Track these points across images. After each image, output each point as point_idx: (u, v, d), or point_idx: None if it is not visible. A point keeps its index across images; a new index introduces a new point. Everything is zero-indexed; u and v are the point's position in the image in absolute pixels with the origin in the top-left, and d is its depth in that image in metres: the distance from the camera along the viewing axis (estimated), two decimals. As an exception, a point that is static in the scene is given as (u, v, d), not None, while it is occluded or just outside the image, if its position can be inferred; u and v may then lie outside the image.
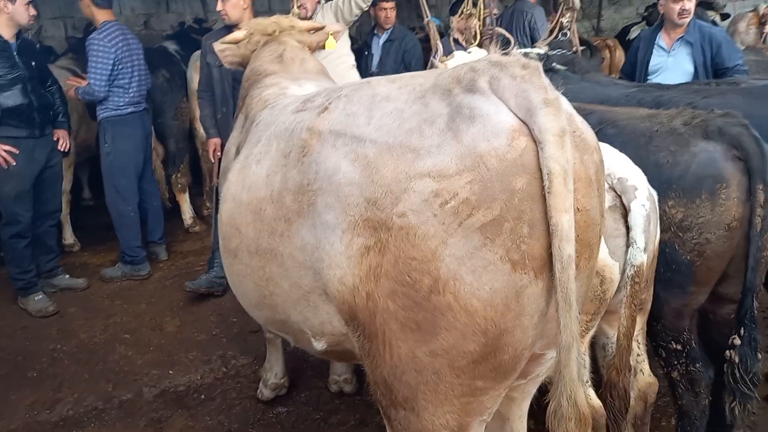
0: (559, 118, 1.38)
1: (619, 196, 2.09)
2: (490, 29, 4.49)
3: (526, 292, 1.41)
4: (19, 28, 4.07)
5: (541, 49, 4.53)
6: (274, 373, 3.33)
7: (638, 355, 2.35)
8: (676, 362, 2.45)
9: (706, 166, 2.22)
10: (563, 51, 4.83)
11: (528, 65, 1.45)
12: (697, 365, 2.43)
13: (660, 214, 2.30)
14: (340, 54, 4.66)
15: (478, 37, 4.54)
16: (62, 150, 4.46)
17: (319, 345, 1.86)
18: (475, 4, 4.51)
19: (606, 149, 2.20)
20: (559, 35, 4.90)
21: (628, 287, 2.08)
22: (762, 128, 2.66)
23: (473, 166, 1.36)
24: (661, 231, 2.31)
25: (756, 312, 2.31)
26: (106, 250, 5.59)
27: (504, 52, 4.57)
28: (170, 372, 3.72)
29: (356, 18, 4.67)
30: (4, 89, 3.96)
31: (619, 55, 8.02)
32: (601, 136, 2.62)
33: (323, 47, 3.28)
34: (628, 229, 2.08)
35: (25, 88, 4.07)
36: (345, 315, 1.59)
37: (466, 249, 1.37)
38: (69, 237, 5.61)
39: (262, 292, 1.95)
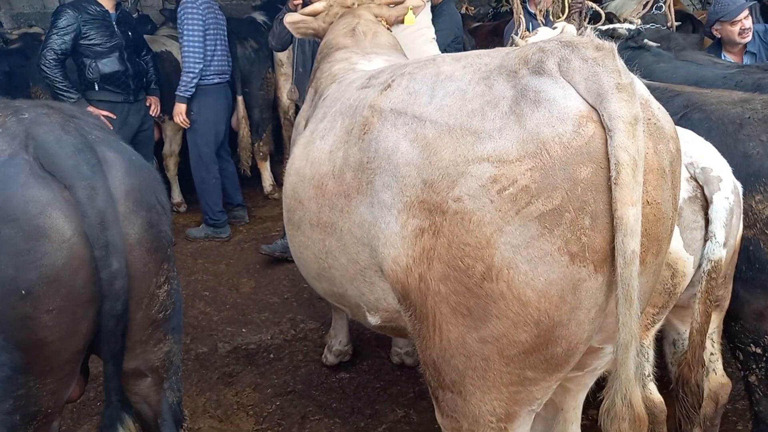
0: (632, 104, 1.30)
1: (701, 187, 1.96)
2: (580, 2, 4.25)
3: (584, 286, 1.37)
4: (118, 1, 4.30)
5: (633, 23, 4.27)
6: (338, 340, 3.44)
7: (711, 354, 2.23)
8: (754, 366, 2.31)
9: (802, 158, 2.04)
10: (657, 25, 4.53)
11: (602, 47, 1.37)
12: (778, 370, 2.27)
13: (745, 209, 2.15)
14: (420, 26, 4.57)
15: (566, 10, 4.32)
16: (153, 115, 4.71)
17: (373, 320, 1.90)
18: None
19: (689, 136, 2.08)
20: (653, 8, 4.58)
21: (704, 282, 1.97)
22: None
23: (535, 153, 1.32)
24: (746, 227, 2.16)
25: None
26: (191, 211, 5.92)
27: (593, 27, 4.33)
28: (243, 330, 3.93)
29: None
30: (103, 56, 4.24)
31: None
32: (686, 121, 2.47)
33: (402, 21, 3.24)
34: (707, 221, 1.96)
35: (122, 56, 4.33)
36: (398, 294, 1.61)
37: (523, 238, 1.34)
38: (177, 196, 5.94)
39: (321, 265, 2.00)
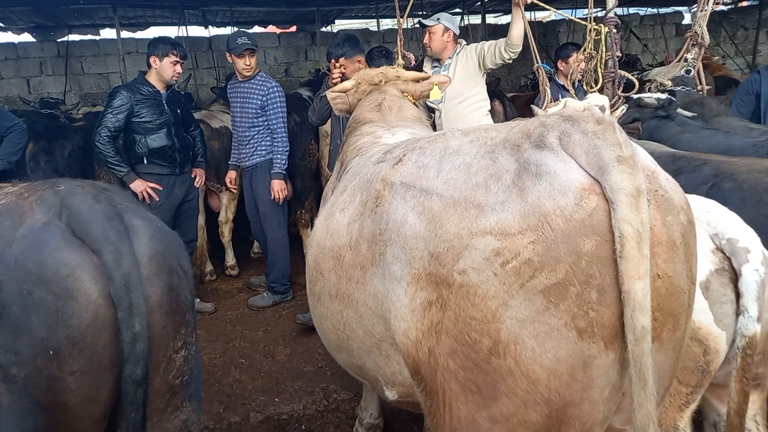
0: (634, 176, 1.30)
1: (728, 259, 1.89)
2: (613, 72, 4.30)
3: (595, 363, 1.32)
4: (166, 82, 4.62)
5: (663, 92, 4.26)
6: (369, 412, 3.37)
7: (757, 437, 2.07)
8: (807, 451, 2.12)
9: (841, 229, 1.94)
10: (687, 88, 4.51)
11: (602, 120, 1.39)
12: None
13: (785, 280, 2.04)
14: (478, 99, 4.72)
15: (600, 80, 4.37)
16: (197, 186, 4.94)
17: (390, 394, 1.87)
18: (596, 47, 4.34)
19: (712, 206, 2.03)
20: (683, 72, 4.58)
21: (739, 359, 1.86)
22: None
23: (537, 226, 1.32)
24: (786, 300, 2.05)
25: None
26: (234, 278, 6.06)
27: (625, 95, 4.34)
28: (276, 399, 3.90)
29: (497, 66, 4.66)
30: (152, 132, 4.52)
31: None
32: (717, 190, 2.42)
33: (428, 96, 3.36)
34: (737, 294, 1.87)
35: (170, 132, 4.60)
36: (410, 368, 1.59)
37: (528, 312, 1.32)
38: (230, 259, 6.13)
39: (340, 336, 2.00)
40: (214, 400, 3.91)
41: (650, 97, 4.21)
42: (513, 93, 8.09)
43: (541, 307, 1.31)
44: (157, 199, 4.61)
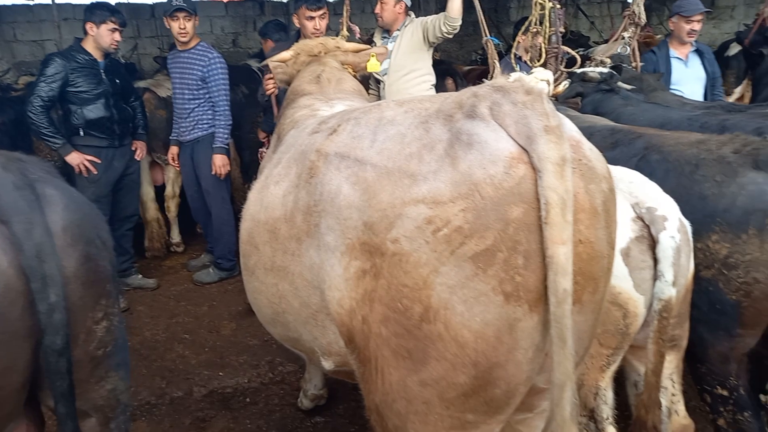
0: (560, 145, 1.34)
1: (647, 227, 1.99)
2: (556, 47, 4.38)
3: (520, 326, 1.37)
4: (104, 50, 4.42)
5: (603, 64, 4.38)
6: (313, 384, 3.40)
7: (673, 394, 2.21)
8: (722, 409, 2.28)
9: (754, 199, 2.06)
10: (625, 65, 4.64)
11: (531, 91, 1.42)
12: (746, 414, 2.24)
13: (703, 250, 2.17)
14: (423, 73, 4.73)
15: (543, 55, 4.45)
16: (138, 159, 4.79)
17: (327, 364, 1.89)
18: (541, 22, 4.41)
19: (635, 177, 2.12)
20: (619, 49, 4.72)
21: (656, 322, 1.97)
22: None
23: (467, 194, 1.35)
24: (704, 268, 2.18)
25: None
26: (179, 254, 5.94)
27: (569, 71, 4.43)
28: (220, 373, 3.89)
29: (439, 40, 4.67)
30: (89, 103, 4.34)
31: (713, 71, 7.59)
32: (645, 162, 2.52)
33: (365, 69, 3.34)
34: (655, 261, 1.97)
35: (108, 103, 4.43)
36: (344, 337, 1.61)
37: (458, 278, 1.36)
38: (176, 236, 5.98)
39: (275, 309, 2.00)
40: (156, 376, 3.87)
41: (593, 71, 4.31)
42: (467, 67, 8.12)
43: (470, 273, 1.35)
44: (95, 173, 4.46)
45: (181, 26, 4.53)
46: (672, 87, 4.77)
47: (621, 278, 2.00)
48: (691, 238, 2.11)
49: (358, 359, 1.57)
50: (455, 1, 4.27)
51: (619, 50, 4.92)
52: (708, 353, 2.25)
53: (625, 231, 2.01)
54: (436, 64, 7.35)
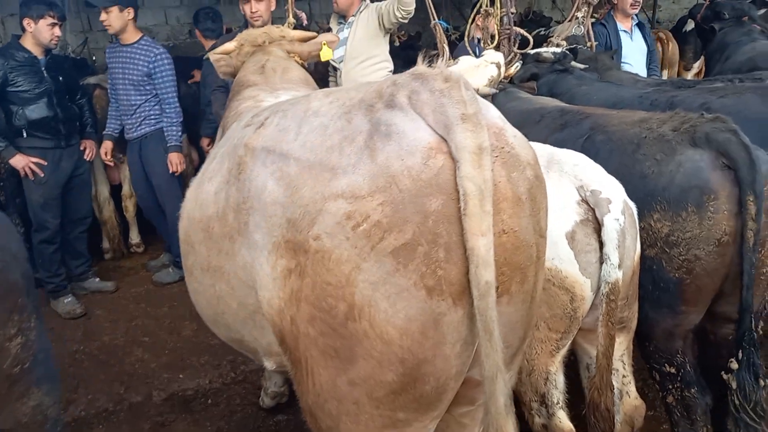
0: (477, 134, 1.30)
1: (592, 210, 1.97)
2: (508, 29, 4.35)
3: (445, 320, 1.34)
4: (45, 47, 4.25)
5: (559, 47, 4.37)
6: (273, 381, 3.34)
7: (624, 376, 2.22)
8: (670, 386, 2.30)
9: (691, 176, 2.06)
10: (580, 46, 4.64)
11: (449, 78, 1.37)
12: (693, 390, 2.26)
13: (646, 229, 2.17)
14: (380, 60, 4.65)
15: (496, 37, 4.41)
16: (88, 159, 4.64)
17: (269, 365, 1.84)
18: (492, 3, 4.36)
19: (579, 159, 2.10)
20: (573, 30, 4.72)
21: (604, 305, 1.96)
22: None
23: (385, 187, 1.31)
24: (647, 247, 2.18)
25: (757, 334, 2.13)
26: (139, 254, 5.81)
27: (522, 52, 4.39)
28: (180, 376, 3.81)
29: (394, 26, 4.60)
30: (31, 102, 4.17)
31: (672, 48, 7.64)
32: (590, 142, 2.51)
33: (318, 57, 3.26)
34: (601, 244, 1.96)
35: (51, 101, 4.26)
36: (277, 337, 1.56)
37: (380, 274, 1.32)
38: (135, 237, 5.80)
39: (215, 310, 1.94)
40: (115, 381, 3.78)
41: (547, 52, 4.29)
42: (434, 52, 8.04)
43: (391, 268, 1.31)
44: (42, 175, 4.30)
45: (102, 18, 4.34)
46: (622, 61, 4.86)
47: (567, 262, 1.99)
48: (636, 220, 2.10)
49: (290, 360, 1.52)
50: None
51: (573, 30, 4.92)
52: (654, 331, 2.26)
53: (570, 214, 1.99)
54: (405, 48, 7.28)
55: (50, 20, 4.16)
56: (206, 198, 1.88)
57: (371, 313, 1.33)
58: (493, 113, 1.45)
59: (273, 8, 4.13)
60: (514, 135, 1.45)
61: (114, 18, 4.35)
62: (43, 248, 4.48)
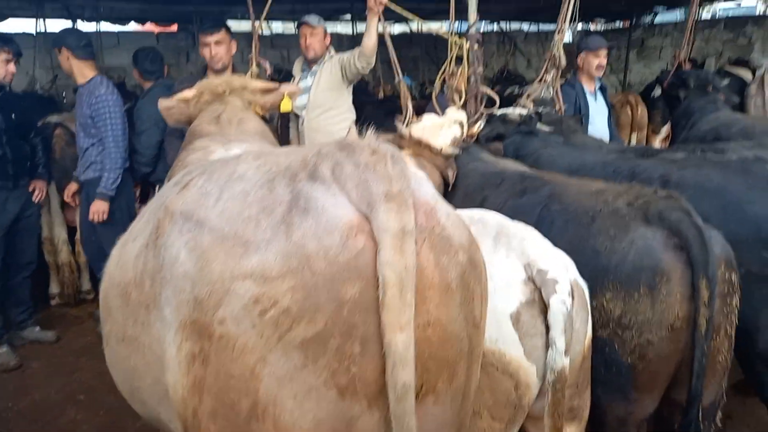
0: (402, 214, 1.18)
1: (539, 290, 1.85)
2: (474, 88, 4.34)
3: (359, 425, 1.20)
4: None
5: (525, 108, 4.36)
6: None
7: (574, 468, 2.06)
8: (622, 478, 2.14)
9: (643, 256, 1.97)
10: (547, 109, 4.66)
11: (377, 150, 1.27)
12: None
13: (598, 308, 2.06)
14: (341, 111, 4.61)
15: (463, 96, 4.40)
16: (36, 201, 4.44)
17: None
18: (459, 62, 4.37)
19: (528, 234, 2.00)
20: (542, 93, 4.75)
21: (549, 394, 1.82)
22: (734, 206, 2.42)
23: (297, 269, 1.18)
24: (600, 327, 2.06)
25: (714, 426, 2.01)
26: (88, 302, 5.53)
27: (489, 112, 4.36)
28: (112, 441, 3.54)
29: (356, 78, 4.56)
30: (-23, 141, 3.99)
31: (641, 111, 7.81)
32: (547, 211, 2.42)
33: (279, 108, 3.18)
34: (547, 327, 1.83)
35: (0, 141, 4.08)
36: (182, 429, 1.39)
37: (287, 369, 1.17)
38: (86, 284, 5.52)
39: (131, 385, 1.77)
40: (40, 446, 3.49)
41: (513, 113, 4.28)
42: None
43: (299, 362, 1.17)
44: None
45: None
46: (588, 123, 4.90)
47: (511, 345, 1.86)
48: (587, 301, 1.99)
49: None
50: (369, 39, 4.18)
51: (542, 92, 4.96)
52: (606, 418, 2.13)
53: (515, 294, 1.87)
54: (387, 101, 7.27)
55: (4, 56, 4.04)
56: (127, 260, 1.73)
57: (276, 413, 1.18)
58: (425, 190, 1.35)
59: (233, 52, 4.06)
60: (447, 214, 1.34)
61: (62, 59, 4.24)
62: (-20, 293, 4.22)
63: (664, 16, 11.04)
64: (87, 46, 4.28)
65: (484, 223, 2.07)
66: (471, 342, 1.33)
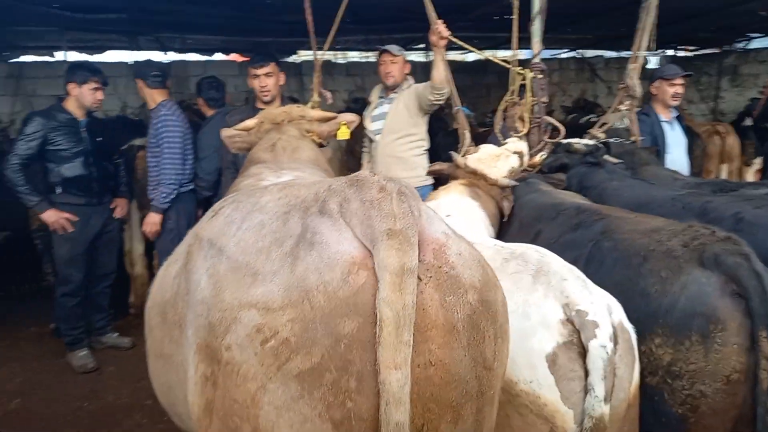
0: (403, 253, 1.17)
1: (578, 332, 1.76)
2: (538, 117, 4.24)
3: (357, 460, 1.17)
4: (87, 109, 4.48)
5: (594, 139, 4.20)
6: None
7: None
8: None
9: (696, 301, 1.83)
10: (621, 140, 4.46)
11: (384, 188, 1.26)
12: None
13: (647, 353, 1.93)
14: (417, 138, 4.64)
15: (526, 125, 4.30)
16: (117, 217, 4.77)
17: None
18: (522, 92, 4.28)
19: (569, 273, 1.91)
20: (616, 123, 4.55)
21: (588, 442, 1.71)
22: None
23: (297, 302, 1.19)
24: (648, 374, 1.93)
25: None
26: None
27: (553, 141, 4.25)
28: (171, 449, 3.67)
29: (431, 108, 4.56)
30: (67, 161, 4.35)
31: (732, 141, 7.29)
32: (597, 249, 2.31)
33: (335, 136, 3.25)
34: (586, 372, 1.73)
35: (87, 161, 4.43)
36: None
37: (284, 399, 1.18)
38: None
39: (168, 400, 1.86)
40: (106, 447, 3.69)
41: (579, 143, 4.14)
42: (481, 129, 8.02)
43: (295, 393, 1.17)
44: (71, 230, 4.43)
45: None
46: (666, 152, 4.65)
47: (546, 388, 1.77)
48: (634, 346, 1.86)
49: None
50: (437, 72, 4.17)
51: (617, 124, 4.76)
52: (656, 472, 1.97)
53: (552, 335, 1.79)
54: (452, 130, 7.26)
55: (93, 85, 4.40)
56: (167, 281, 1.82)
57: (275, 441, 1.18)
58: (436, 228, 1.32)
59: (282, 83, 4.19)
60: (458, 253, 1.30)
61: (139, 88, 4.59)
62: (64, 301, 4.56)
63: (761, 42, 10.33)
64: (156, 77, 4.57)
65: (525, 260, 2.00)
66: (481, 384, 1.28)
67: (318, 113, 3.25)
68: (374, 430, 1.16)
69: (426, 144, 4.73)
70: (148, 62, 4.84)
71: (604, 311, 1.78)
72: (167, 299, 1.76)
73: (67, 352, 4.68)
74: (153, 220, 4.50)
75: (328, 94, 4.28)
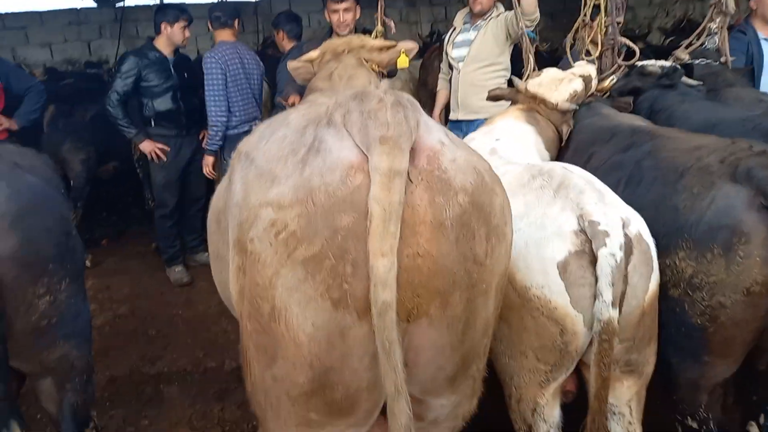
0: (393, 157, 1.31)
1: (590, 241, 1.83)
2: (612, 39, 4.05)
3: (351, 333, 1.37)
4: (176, 47, 4.83)
5: (678, 60, 3.96)
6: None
7: (630, 423, 2.02)
8: (691, 442, 2.05)
9: (722, 214, 1.82)
10: (708, 61, 4.16)
11: (382, 99, 1.39)
12: (714, 451, 2.00)
13: (671, 267, 1.96)
14: (500, 68, 4.62)
15: (599, 47, 4.13)
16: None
17: None
18: (596, 12, 4.09)
19: (587, 187, 1.96)
20: (707, 42, 4.23)
21: (596, 344, 1.82)
22: None
23: (303, 200, 1.37)
24: (671, 287, 1.98)
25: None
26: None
27: (627, 64, 4.08)
28: (252, 351, 4.13)
29: (519, 37, 4.41)
30: (159, 96, 4.77)
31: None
32: (638, 168, 2.30)
33: (396, 65, 3.33)
34: (597, 278, 1.81)
35: (176, 96, 4.83)
36: None
37: (293, 281, 1.38)
38: None
39: (225, 296, 2.13)
40: (197, 347, 4.21)
41: (653, 65, 3.93)
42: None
43: (301, 277, 1.36)
44: (165, 159, 4.90)
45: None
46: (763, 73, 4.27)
47: (557, 293, 1.87)
48: (653, 257, 1.90)
49: (240, 350, 1.65)
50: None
51: (706, 43, 4.43)
52: (678, 381, 2.05)
53: (565, 244, 1.87)
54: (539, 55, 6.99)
55: (184, 23, 4.72)
56: (220, 192, 2.07)
57: (287, 316, 1.40)
58: (433, 136, 1.44)
59: (358, 16, 4.26)
60: (452, 159, 1.42)
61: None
62: (162, 222, 5.12)
63: None
64: (217, 17, 4.74)
65: (550, 176, 2.06)
66: (470, 277, 1.41)
67: (378, 42, 3.33)
68: (366, 308, 1.34)
69: (508, 73, 4.65)
70: (221, 3, 5.08)
71: (617, 222, 1.82)
72: (220, 208, 2.01)
73: (166, 268, 5.28)
74: (206, 161, 4.78)
75: (392, 23, 4.32)
